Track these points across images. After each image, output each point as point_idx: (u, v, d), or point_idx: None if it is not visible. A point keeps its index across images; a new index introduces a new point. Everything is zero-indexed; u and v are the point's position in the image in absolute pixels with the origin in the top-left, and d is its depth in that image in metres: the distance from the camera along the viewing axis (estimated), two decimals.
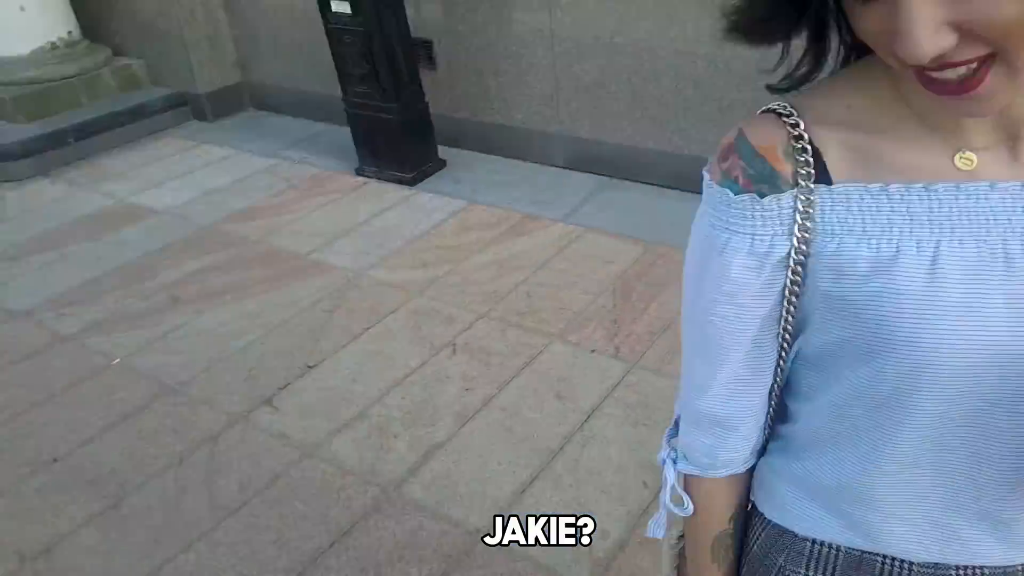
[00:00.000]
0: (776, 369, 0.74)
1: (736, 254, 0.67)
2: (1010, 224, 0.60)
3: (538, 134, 3.96)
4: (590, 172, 3.87)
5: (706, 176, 0.69)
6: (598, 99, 3.73)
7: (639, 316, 2.74)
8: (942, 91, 0.54)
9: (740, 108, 3.26)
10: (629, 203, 3.56)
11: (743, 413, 0.76)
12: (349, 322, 2.67)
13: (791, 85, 0.67)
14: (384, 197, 3.61)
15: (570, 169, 3.92)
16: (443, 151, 4.00)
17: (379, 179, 3.77)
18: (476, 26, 3.89)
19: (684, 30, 3.31)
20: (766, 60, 0.71)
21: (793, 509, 0.77)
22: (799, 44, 0.67)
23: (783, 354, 0.73)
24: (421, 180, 3.79)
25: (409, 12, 3.70)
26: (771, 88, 0.68)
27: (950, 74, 0.52)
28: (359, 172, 3.80)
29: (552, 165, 3.97)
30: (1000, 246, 0.60)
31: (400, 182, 3.74)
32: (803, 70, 0.66)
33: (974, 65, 0.52)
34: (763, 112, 0.67)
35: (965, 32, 0.50)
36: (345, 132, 3.85)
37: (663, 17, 3.37)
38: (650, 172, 3.71)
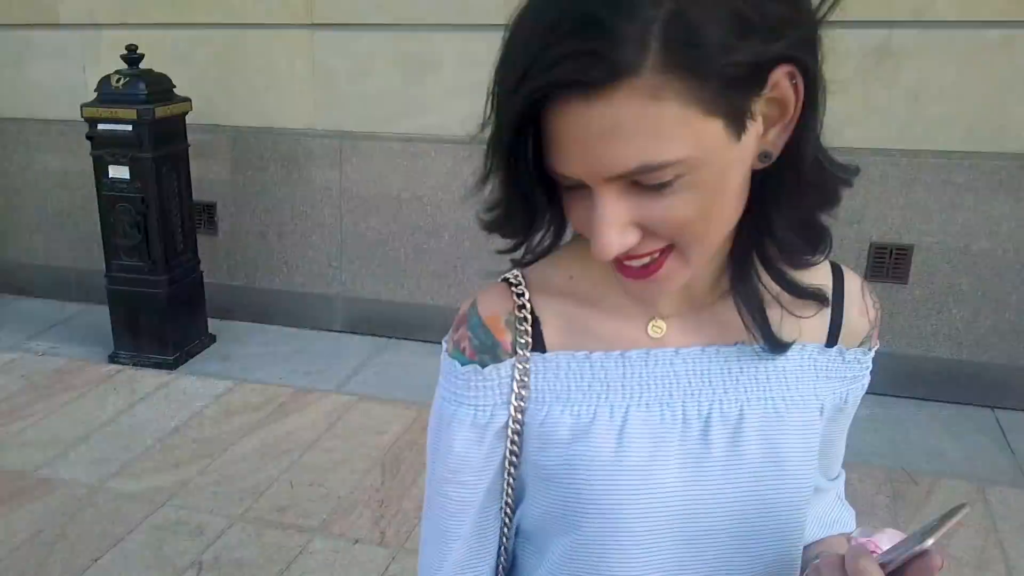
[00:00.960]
0: (500, 549, 0.75)
1: (460, 427, 0.69)
2: (689, 387, 0.68)
3: (318, 298, 3.89)
4: (369, 334, 3.83)
5: (443, 346, 0.72)
6: (382, 257, 3.74)
7: (407, 491, 2.65)
8: (628, 274, 0.62)
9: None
10: (405, 364, 3.52)
11: None
12: (73, 555, 2.38)
13: (533, 259, 0.71)
14: (138, 387, 3.36)
15: (349, 332, 3.86)
16: (215, 324, 3.83)
17: (136, 365, 3.52)
18: (264, 185, 3.83)
19: (467, 184, 3.41)
20: None
21: None
22: None
23: (505, 531, 0.74)
24: (186, 360, 3.58)
25: (194, 172, 3.58)
26: (515, 261, 0.72)
27: (635, 262, 0.60)
28: (113, 359, 3.54)
29: (330, 330, 3.90)
30: (680, 409, 0.67)
31: (160, 366, 3.51)
32: (545, 244, 0.70)
33: (656, 254, 0.60)
34: (499, 281, 0.71)
35: (646, 231, 0.58)
36: (104, 313, 3.60)
37: (445, 175, 3.47)
38: (428, 330, 3.73)
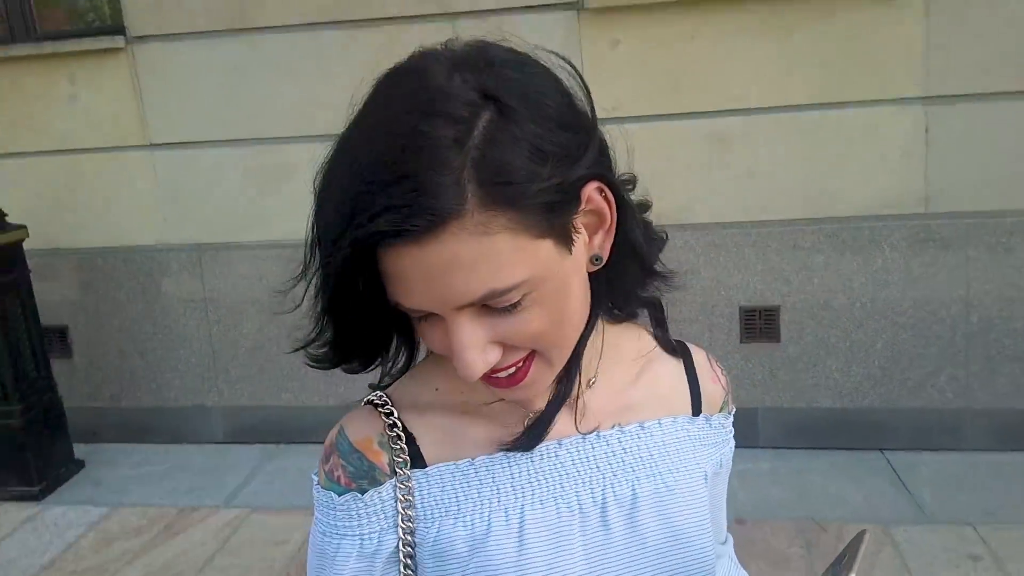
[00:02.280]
0: None
1: (347, 559, 0.66)
2: (579, 476, 0.68)
3: (194, 411, 3.65)
4: (256, 443, 3.61)
5: (314, 480, 0.70)
6: (261, 362, 3.57)
7: None
8: (498, 385, 0.62)
9: None
10: (300, 469, 3.33)
11: None
12: None
13: (391, 381, 0.71)
14: (1, 522, 3.00)
15: (232, 443, 3.63)
16: (81, 450, 3.50)
17: None
18: (118, 304, 3.61)
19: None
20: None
21: None
22: None
23: None
24: (53, 490, 3.24)
25: (39, 296, 3.35)
26: (372, 386, 0.72)
27: (501, 373, 0.61)
28: None
29: (211, 442, 3.65)
30: (575, 499, 0.67)
31: (24, 498, 3.15)
32: (400, 365, 0.70)
33: (520, 363, 0.61)
34: (363, 404, 0.70)
35: (506, 345, 0.60)
36: None
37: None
38: (320, 431, 3.54)
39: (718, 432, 0.78)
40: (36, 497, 3.16)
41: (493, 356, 0.59)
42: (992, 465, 3.07)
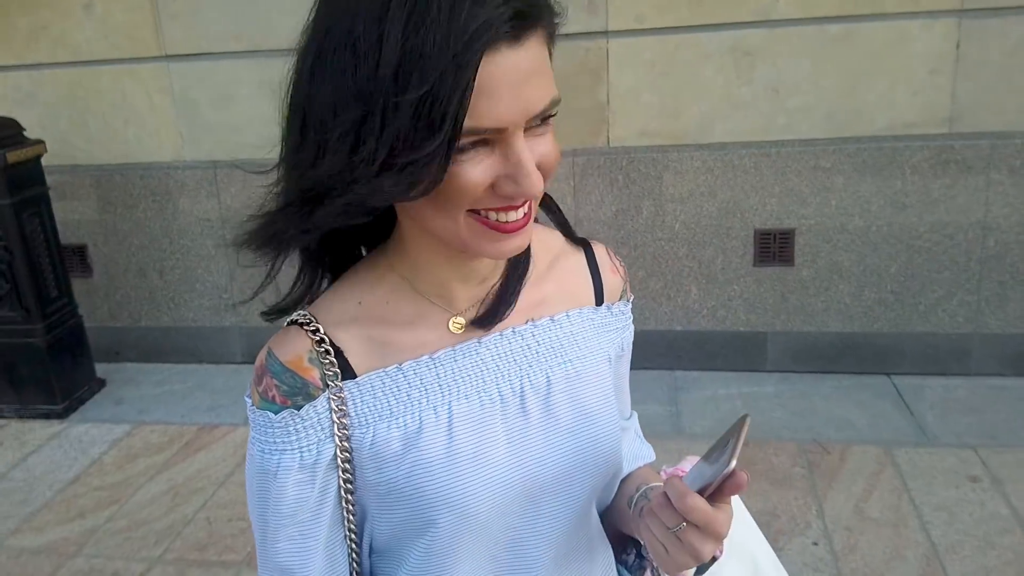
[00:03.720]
0: (352, 573, 0.77)
1: (288, 472, 0.70)
2: (499, 369, 0.75)
3: (213, 331, 3.72)
4: None
5: (248, 403, 0.72)
6: (276, 282, 3.61)
7: None
8: (504, 230, 0.65)
9: None
10: None
11: None
12: None
13: (287, 308, 0.75)
14: (28, 439, 3.11)
15: (251, 363, 3.70)
16: (102, 369, 3.60)
17: (22, 417, 3.26)
18: (136, 223, 3.64)
19: None
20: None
21: None
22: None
23: (355, 556, 0.76)
24: (76, 409, 3.35)
25: (58, 215, 3.38)
26: (265, 315, 0.75)
27: (516, 214, 0.65)
28: None
29: (230, 363, 3.73)
30: (496, 391, 0.74)
31: (49, 416, 3.26)
32: (298, 292, 0.75)
33: (527, 208, 0.66)
34: (288, 325, 0.72)
35: (539, 169, 0.64)
36: None
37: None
38: None
39: (619, 319, 0.86)
40: (60, 415, 3.27)
41: (540, 177, 0.64)
42: (997, 389, 3.09)
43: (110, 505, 2.68)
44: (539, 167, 0.64)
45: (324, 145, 0.60)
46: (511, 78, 0.59)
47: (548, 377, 0.77)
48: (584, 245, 0.86)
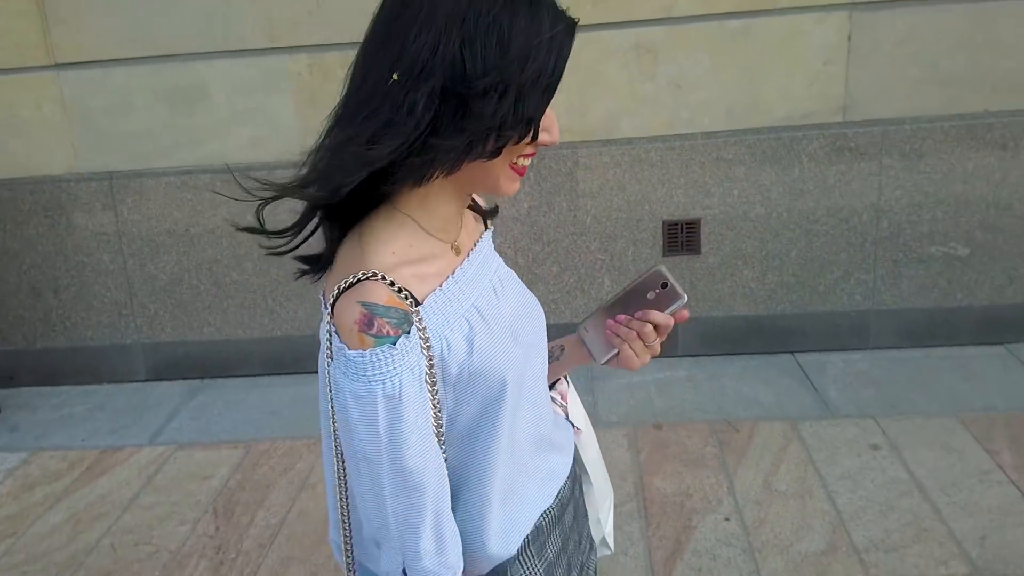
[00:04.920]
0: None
1: (409, 389, 0.82)
2: (484, 273, 0.97)
3: (113, 349, 3.56)
4: (179, 379, 3.56)
5: (351, 353, 0.82)
6: (179, 296, 3.48)
7: (245, 532, 2.48)
8: (522, 172, 0.90)
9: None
10: (226, 403, 3.31)
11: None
12: None
13: (323, 268, 0.93)
14: None
15: (155, 381, 3.56)
16: None
17: None
18: (27, 240, 3.44)
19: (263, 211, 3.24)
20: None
21: (507, 535, 0.97)
22: None
23: (441, 446, 0.90)
24: None
25: None
26: (304, 272, 0.94)
27: (526, 161, 0.90)
28: None
29: (133, 381, 3.58)
30: (490, 288, 0.97)
31: None
32: (327, 254, 0.92)
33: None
34: (355, 285, 0.83)
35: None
36: None
37: (237, 204, 3.28)
38: (246, 364, 3.52)
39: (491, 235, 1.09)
40: None
41: None
42: (894, 361, 3.24)
43: (6, 538, 2.52)
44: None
45: (467, 105, 0.79)
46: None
47: (499, 276, 1.00)
48: None
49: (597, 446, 1.24)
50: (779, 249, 3.31)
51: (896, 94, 3.17)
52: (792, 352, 3.36)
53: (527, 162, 0.89)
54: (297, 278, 0.95)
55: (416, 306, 0.85)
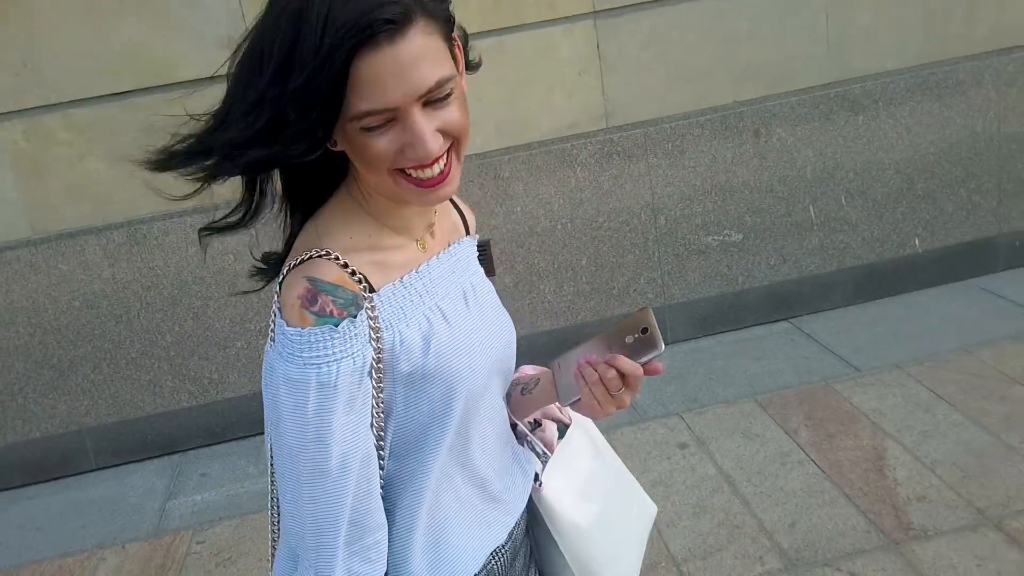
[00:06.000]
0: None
1: (347, 379, 0.79)
2: (454, 276, 0.94)
3: None
4: None
5: (289, 330, 0.78)
6: None
7: None
8: (424, 185, 0.82)
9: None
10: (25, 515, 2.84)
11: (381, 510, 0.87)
12: None
13: (223, 228, 0.85)
14: None
15: None
16: None
17: None
18: None
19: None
20: None
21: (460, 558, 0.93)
22: None
23: (380, 452, 0.86)
24: None
25: None
26: (205, 230, 0.86)
27: (432, 171, 0.81)
28: None
29: None
30: (460, 293, 0.94)
31: None
32: (234, 219, 0.85)
33: (445, 158, 0.82)
34: (305, 262, 0.81)
35: (444, 136, 0.80)
36: None
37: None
38: (39, 470, 3.06)
39: (475, 247, 1.06)
40: None
41: (441, 141, 0.79)
42: (692, 352, 3.34)
43: None
44: (446, 132, 0.79)
45: (228, 118, 0.76)
46: (392, 68, 0.74)
47: (473, 284, 0.97)
48: None
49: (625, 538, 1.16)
50: (570, 260, 3.32)
51: (651, 95, 3.26)
52: None
53: (426, 174, 0.81)
54: (251, 276, 0.92)
55: (370, 292, 0.83)
